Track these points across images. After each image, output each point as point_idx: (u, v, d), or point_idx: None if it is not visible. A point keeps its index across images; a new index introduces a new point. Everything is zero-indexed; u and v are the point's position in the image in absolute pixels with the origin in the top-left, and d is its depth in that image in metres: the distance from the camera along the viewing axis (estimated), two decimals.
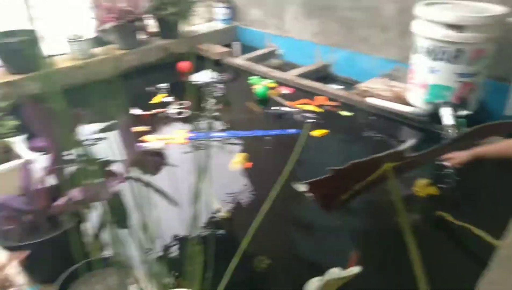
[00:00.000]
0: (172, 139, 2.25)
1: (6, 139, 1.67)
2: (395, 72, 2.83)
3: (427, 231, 1.59)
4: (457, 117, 2.12)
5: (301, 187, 0.50)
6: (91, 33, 3.07)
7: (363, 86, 2.64)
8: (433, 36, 2.09)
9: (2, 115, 1.70)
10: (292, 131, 2.32)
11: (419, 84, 2.28)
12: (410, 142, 0.72)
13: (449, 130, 2.06)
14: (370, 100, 2.47)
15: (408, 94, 2.44)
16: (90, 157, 0.72)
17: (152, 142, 2.21)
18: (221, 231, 1.62)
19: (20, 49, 2.51)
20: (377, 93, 2.53)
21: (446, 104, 2.19)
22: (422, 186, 1.77)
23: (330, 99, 2.66)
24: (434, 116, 2.24)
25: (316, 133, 2.28)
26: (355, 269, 0.77)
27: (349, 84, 3.04)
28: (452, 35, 2.02)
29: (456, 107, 2.17)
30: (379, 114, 2.46)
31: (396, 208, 0.43)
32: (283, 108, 2.56)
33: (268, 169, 2.08)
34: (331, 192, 0.50)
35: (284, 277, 1.44)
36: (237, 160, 2.06)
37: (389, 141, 2.25)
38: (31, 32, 2.60)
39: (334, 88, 2.80)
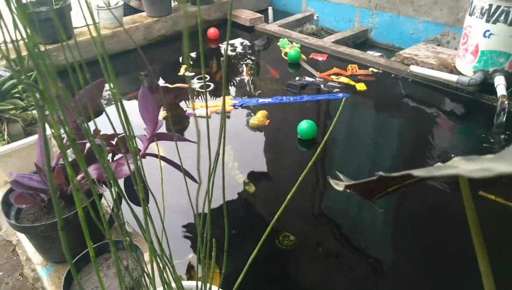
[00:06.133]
0: (216, 106, 2.19)
1: (33, 112, 1.64)
2: (443, 37, 2.58)
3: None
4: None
5: (338, 186, 0.39)
6: (121, 1, 2.99)
7: (405, 52, 2.43)
8: None
9: (28, 86, 1.67)
10: (341, 95, 2.21)
11: (471, 50, 2.05)
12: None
13: (501, 101, 1.85)
14: (413, 68, 2.27)
15: (457, 61, 2.21)
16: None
17: (197, 109, 2.17)
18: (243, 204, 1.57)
19: (50, 19, 2.48)
20: (421, 60, 2.32)
21: (500, 72, 1.97)
22: None
23: (367, 68, 2.47)
24: (484, 86, 2.03)
25: (359, 87, 2.28)
26: None
27: (390, 50, 2.82)
28: None
29: (511, 75, 1.95)
30: (422, 83, 2.26)
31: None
32: (307, 79, 2.40)
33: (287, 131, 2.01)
34: (370, 190, 0.40)
35: (309, 256, 1.36)
36: (258, 118, 2.05)
37: (433, 112, 2.06)
38: (61, 1, 2.57)
39: (373, 55, 2.59)
